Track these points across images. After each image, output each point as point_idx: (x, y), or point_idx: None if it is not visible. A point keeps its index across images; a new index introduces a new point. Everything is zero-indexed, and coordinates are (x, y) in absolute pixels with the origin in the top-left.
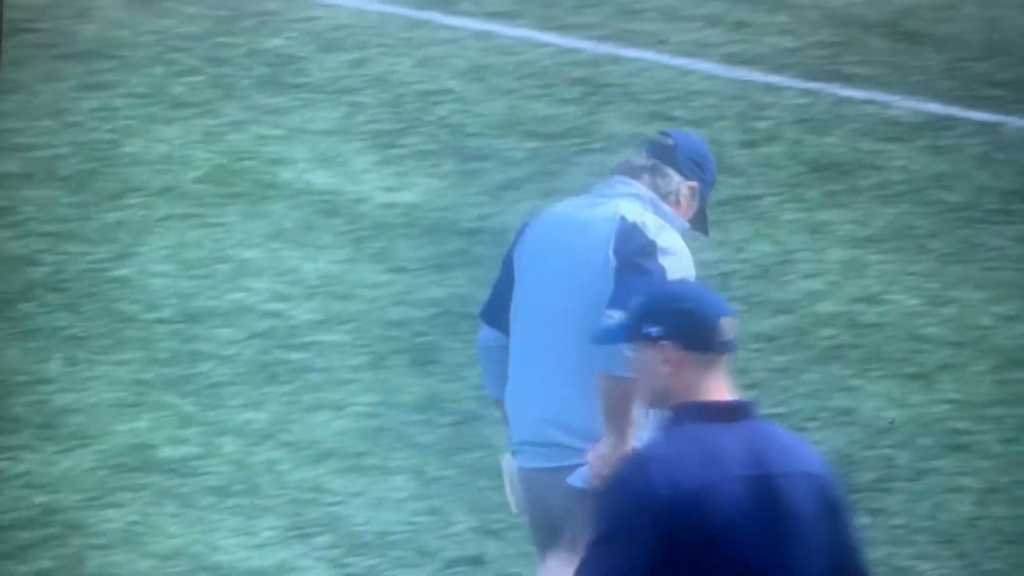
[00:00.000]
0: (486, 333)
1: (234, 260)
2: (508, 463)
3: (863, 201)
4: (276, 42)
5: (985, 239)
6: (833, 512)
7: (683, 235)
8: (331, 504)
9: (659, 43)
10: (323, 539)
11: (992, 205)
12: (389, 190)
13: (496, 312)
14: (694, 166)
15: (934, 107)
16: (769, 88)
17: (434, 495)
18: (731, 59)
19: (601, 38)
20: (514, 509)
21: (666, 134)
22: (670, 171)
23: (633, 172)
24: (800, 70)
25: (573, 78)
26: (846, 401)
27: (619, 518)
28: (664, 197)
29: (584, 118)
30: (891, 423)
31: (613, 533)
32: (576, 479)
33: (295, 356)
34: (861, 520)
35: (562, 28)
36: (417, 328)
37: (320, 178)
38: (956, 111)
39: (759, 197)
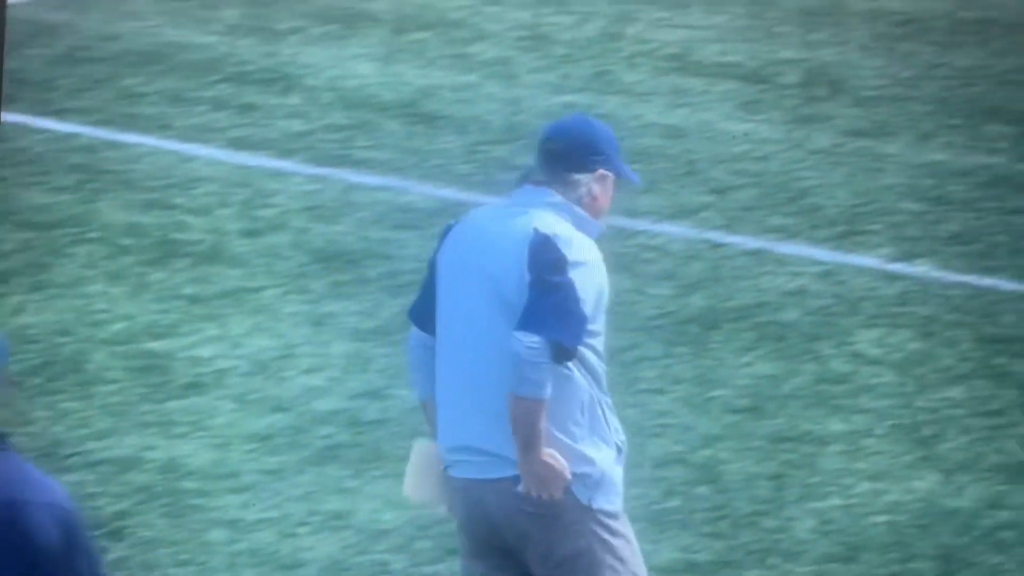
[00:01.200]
0: (415, 334)
1: None
2: (421, 449)
3: (371, 292)
4: None
5: None
6: (77, 543)
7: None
8: None
9: (163, 127)
10: None
11: None
12: None
13: (422, 314)
14: (591, 154)
15: (450, 192)
16: (276, 174)
17: None
18: (237, 144)
19: (100, 123)
20: (408, 493)
21: (550, 139)
22: (573, 176)
23: (541, 180)
24: (310, 155)
25: (69, 164)
26: (341, 504)
27: None
28: (578, 201)
29: (80, 206)
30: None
31: None
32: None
33: None
34: None
35: (59, 113)
36: None
37: None
38: (474, 196)
39: (261, 289)
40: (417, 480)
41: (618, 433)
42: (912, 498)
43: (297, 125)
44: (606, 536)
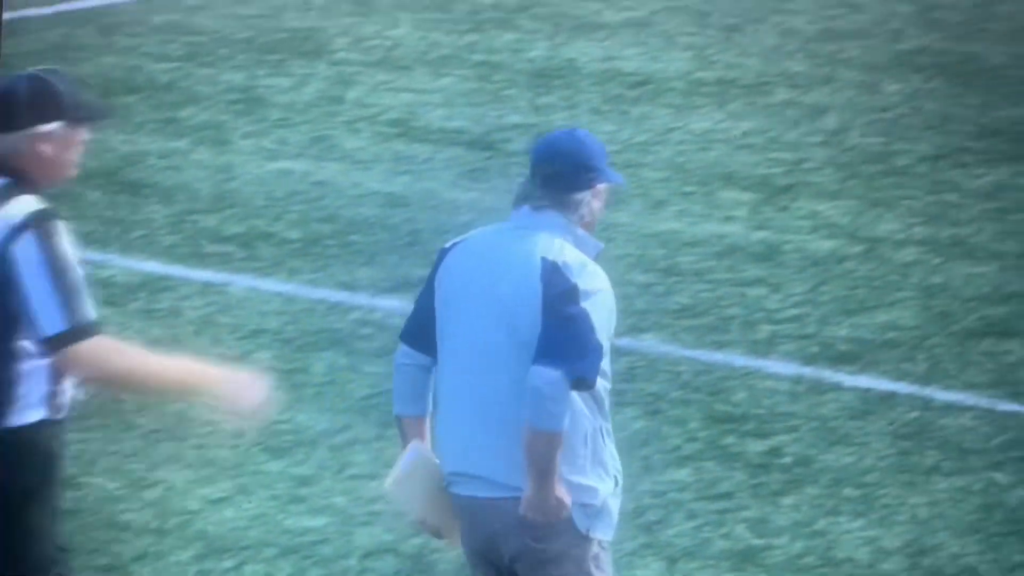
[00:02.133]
0: (405, 351)
1: None
2: (418, 452)
3: None
4: None
5: None
6: None
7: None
8: None
9: None
10: None
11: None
12: None
13: (417, 332)
14: (587, 171)
15: (153, 266)
16: None
17: None
18: None
19: None
20: (390, 486)
21: (546, 162)
22: (573, 196)
23: (540, 203)
24: None
25: None
26: None
27: None
28: (580, 219)
29: None
30: None
31: None
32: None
33: None
34: None
35: None
36: None
37: None
38: (178, 270)
39: None
40: (403, 474)
41: (615, 461)
42: None
43: None
44: (592, 568)
